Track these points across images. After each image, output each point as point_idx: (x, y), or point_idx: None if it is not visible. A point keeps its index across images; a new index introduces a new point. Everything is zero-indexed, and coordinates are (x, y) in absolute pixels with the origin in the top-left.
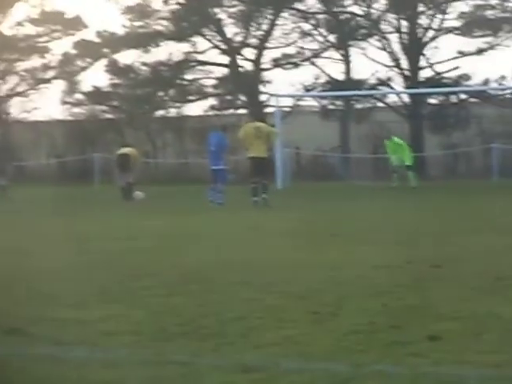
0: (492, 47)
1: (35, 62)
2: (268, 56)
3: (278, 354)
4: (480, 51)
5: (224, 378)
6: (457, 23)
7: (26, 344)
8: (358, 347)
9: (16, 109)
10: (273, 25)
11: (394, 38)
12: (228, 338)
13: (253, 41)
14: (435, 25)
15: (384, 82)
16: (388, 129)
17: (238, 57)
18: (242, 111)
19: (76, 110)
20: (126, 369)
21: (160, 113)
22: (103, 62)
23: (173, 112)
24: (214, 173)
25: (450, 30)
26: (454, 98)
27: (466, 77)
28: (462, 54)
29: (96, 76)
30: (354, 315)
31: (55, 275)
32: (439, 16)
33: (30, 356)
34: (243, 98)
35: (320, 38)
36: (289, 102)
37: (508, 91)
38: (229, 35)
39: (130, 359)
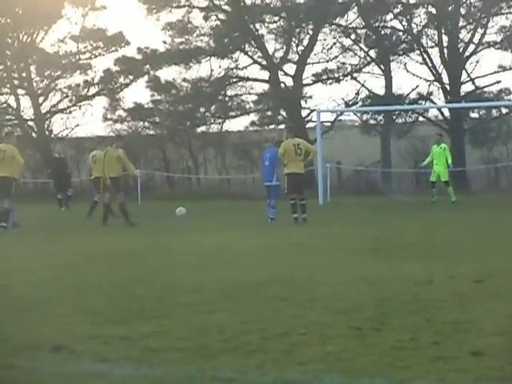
0: None
1: (77, 78)
2: (309, 71)
3: (321, 370)
4: None
5: None
6: (497, 37)
7: (71, 361)
8: (400, 363)
9: (58, 125)
10: (313, 40)
11: (434, 53)
12: (271, 354)
13: (293, 56)
14: (476, 39)
15: (425, 97)
16: (428, 143)
17: (279, 72)
18: (282, 127)
19: (118, 126)
20: None
21: (201, 129)
22: (145, 78)
23: (214, 128)
24: (268, 189)
25: (490, 45)
26: (495, 112)
27: (508, 91)
28: (503, 68)
29: (138, 92)
30: (397, 331)
31: (99, 291)
32: (480, 30)
33: (75, 373)
34: (284, 113)
35: (361, 53)
36: (330, 117)
37: None
38: (270, 51)
39: (174, 376)
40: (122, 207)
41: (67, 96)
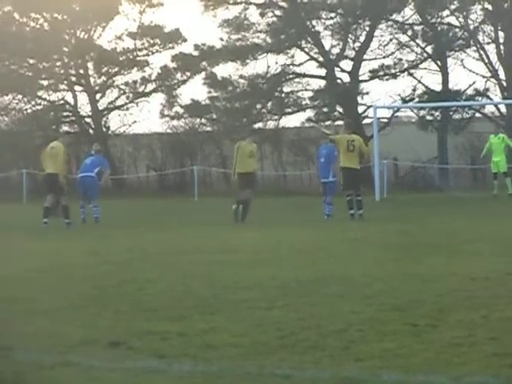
0: None
1: (134, 75)
2: (365, 67)
3: (378, 366)
4: None
5: None
6: None
7: (129, 357)
8: (457, 359)
9: (115, 122)
10: (370, 36)
11: (491, 49)
12: (328, 350)
13: (350, 52)
14: None
15: (481, 93)
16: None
17: (336, 68)
18: (339, 123)
19: (175, 122)
20: (228, 382)
21: (258, 125)
22: (202, 75)
23: (270, 124)
24: (324, 185)
25: None
26: None
27: None
28: None
29: (194, 89)
30: (454, 327)
31: (155, 288)
32: None
33: (133, 369)
34: (340, 109)
35: (417, 49)
36: (386, 113)
37: None
38: (326, 47)
39: (231, 372)
40: (246, 203)
41: (124, 93)
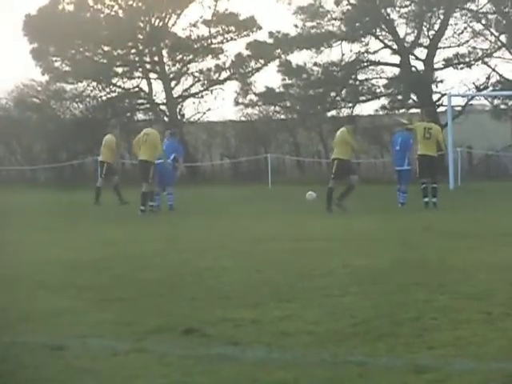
0: None
1: (209, 63)
2: (440, 56)
3: (451, 354)
4: None
5: (398, 379)
6: None
7: (203, 344)
8: None
9: (190, 110)
10: (445, 24)
11: None
12: (402, 338)
13: (424, 40)
14: None
15: None
16: None
17: (410, 56)
18: (413, 111)
19: (249, 110)
20: (301, 369)
21: (332, 113)
22: (276, 62)
23: (344, 112)
24: (398, 174)
25: None
26: None
27: None
28: None
29: (269, 77)
30: None
31: (229, 275)
32: None
33: (207, 356)
34: (415, 97)
35: (491, 38)
36: (460, 101)
37: None
38: (401, 35)
39: (305, 359)
40: (350, 188)
41: (199, 80)
